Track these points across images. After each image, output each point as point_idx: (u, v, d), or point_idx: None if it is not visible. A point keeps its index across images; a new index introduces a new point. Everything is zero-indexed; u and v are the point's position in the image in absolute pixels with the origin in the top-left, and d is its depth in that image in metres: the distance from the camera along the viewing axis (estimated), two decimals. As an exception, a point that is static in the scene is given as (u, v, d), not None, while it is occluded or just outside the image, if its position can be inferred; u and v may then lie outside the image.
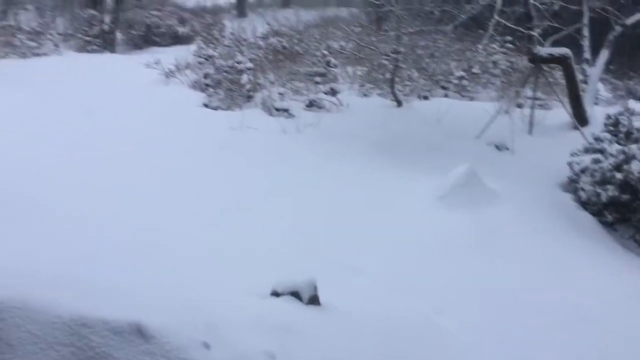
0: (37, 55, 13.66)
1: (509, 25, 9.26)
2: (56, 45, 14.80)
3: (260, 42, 13.56)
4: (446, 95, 11.62)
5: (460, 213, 5.99)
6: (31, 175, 6.14)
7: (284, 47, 12.52)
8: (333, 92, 10.46)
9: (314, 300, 4.07)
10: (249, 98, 10.33)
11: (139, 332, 2.89)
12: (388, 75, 10.86)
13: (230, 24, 20.16)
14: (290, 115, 9.60)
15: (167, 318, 2.99)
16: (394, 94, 10.54)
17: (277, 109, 9.81)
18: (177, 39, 17.40)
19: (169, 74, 11.39)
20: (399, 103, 10.47)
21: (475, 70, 12.25)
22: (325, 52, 11.80)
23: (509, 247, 5.66)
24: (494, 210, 6.27)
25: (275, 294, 4.12)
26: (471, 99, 11.67)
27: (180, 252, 4.80)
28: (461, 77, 12.05)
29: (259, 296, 3.92)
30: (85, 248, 4.54)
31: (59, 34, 16.58)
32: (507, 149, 8.72)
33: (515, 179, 7.30)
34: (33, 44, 14.08)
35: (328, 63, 11.47)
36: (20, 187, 5.75)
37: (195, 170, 6.93)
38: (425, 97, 11.21)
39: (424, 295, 4.63)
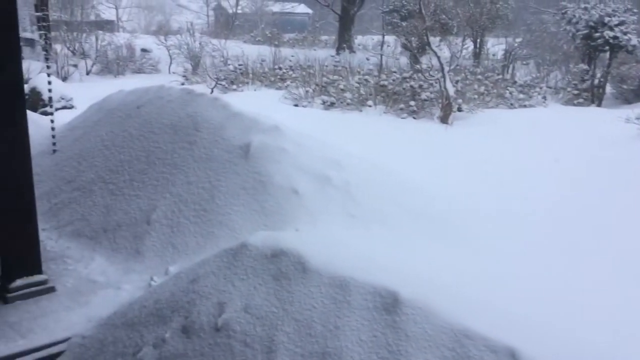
0: (524, 106, 14.61)
1: None
2: (544, 98, 15.52)
3: None
4: None
5: None
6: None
7: None
8: None
9: None
10: None
11: (512, 357, 3.08)
12: None
13: None
14: None
15: (541, 351, 3.09)
16: None
17: None
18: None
19: (651, 130, 10.73)
20: None
21: None
22: None
23: None
24: None
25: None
26: None
27: (585, 297, 4.70)
28: None
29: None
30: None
31: (549, 87, 17.34)
32: None
33: None
34: (522, 95, 15.14)
35: None
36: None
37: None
38: None
39: None
